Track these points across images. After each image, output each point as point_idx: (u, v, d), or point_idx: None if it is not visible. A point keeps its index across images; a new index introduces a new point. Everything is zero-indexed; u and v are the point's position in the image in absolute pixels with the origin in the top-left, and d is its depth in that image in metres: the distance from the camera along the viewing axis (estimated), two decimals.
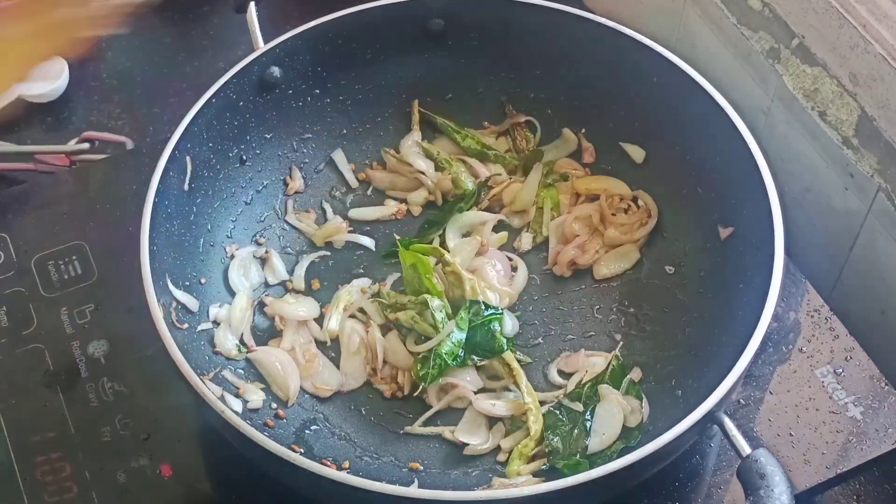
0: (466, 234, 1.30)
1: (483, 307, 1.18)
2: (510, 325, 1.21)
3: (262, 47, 1.26)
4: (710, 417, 0.98)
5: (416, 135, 1.38)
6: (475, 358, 1.16)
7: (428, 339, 1.15)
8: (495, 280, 1.25)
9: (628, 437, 1.09)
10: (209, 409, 0.99)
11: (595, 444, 1.09)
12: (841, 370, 1.18)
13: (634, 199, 1.31)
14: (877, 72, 1.14)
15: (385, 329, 1.21)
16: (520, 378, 1.15)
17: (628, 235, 1.28)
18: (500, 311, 1.19)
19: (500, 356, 1.16)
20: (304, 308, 1.23)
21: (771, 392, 1.18)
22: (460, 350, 1.15)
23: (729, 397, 1.00)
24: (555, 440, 1.09)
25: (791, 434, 1.14)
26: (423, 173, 1.34)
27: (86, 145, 1.45)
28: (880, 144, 1.16)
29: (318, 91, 1.34)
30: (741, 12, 1.31)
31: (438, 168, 1.35)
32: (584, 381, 1.15)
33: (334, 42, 1.31)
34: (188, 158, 1.20)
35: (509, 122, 1.38)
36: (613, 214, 1.29)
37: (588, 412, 1.11)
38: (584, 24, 1.29)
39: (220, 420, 0.98)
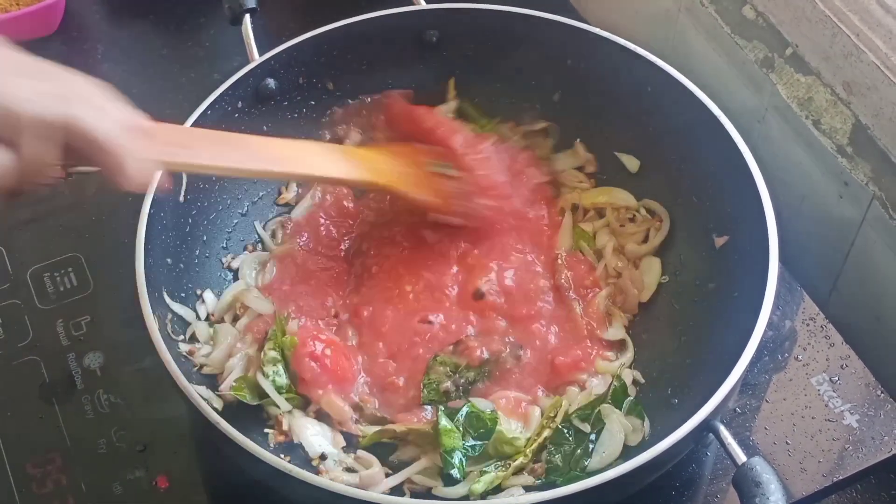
0: None
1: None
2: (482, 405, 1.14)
3: (257, 59, 1.27)
4: (706, 425, 0.98)
5: (452, 104, 1.37)
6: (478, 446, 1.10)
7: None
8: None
9: (629, 457, 1.07)
10: (205, 420, 0.99)
11: (595, 462, 1.07)
12: (837, 378, 1.18)
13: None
14: (870, 80, 1.14)
15: None
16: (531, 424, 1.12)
17: (646, 245, 1.26)
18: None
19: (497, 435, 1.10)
20: (266, 305, 1.20)
21: (767, 400, 1.18)
22: (468, 443, 1.10)
23: (725, 405, 1.00)
24: (556, 457, 1.09)
25: (787, 442, 1.14)
26: None
27: None
28: (874, 153, 1.17)
29: (313, 102, 1.35)
30: (735, 22, 1.31)
31: None
32: (585, 403, 1.13)
33: (329, 54, 1.32)
34: None
35: (524, 129, 1.37)
36: (622, 226, 1.29)
37: (594, 434, 1.10)
38: (578, 35, 1.29)
39: (216, 431, 0.98)
